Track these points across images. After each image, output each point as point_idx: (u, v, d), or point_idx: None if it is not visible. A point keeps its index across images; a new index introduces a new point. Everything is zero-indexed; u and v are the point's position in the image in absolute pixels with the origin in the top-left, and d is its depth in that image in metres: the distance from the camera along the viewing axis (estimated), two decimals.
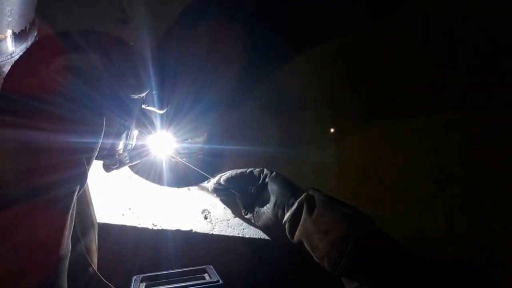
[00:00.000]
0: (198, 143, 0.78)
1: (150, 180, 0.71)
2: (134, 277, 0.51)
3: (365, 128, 0.96)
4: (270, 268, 0.72)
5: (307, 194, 0.62)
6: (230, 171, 0.70)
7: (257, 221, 0.68)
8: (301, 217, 0.60)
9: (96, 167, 0.49)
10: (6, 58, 0.47)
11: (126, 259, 0.61)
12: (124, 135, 0.48)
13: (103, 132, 0.39)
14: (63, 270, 0.35)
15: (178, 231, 0.66)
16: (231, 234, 0.70)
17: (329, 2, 0.85)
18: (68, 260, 0.35)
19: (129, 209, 0.65)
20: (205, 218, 0.70)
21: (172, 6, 0.76)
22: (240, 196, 0.70)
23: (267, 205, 0.66)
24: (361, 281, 0.54)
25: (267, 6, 0.81)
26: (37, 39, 0.51)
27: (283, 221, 0.62)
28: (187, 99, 0.73)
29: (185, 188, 0.74)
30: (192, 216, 0.69)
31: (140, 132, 0.56)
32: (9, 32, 0.46)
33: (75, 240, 0.46)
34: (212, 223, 0.70)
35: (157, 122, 0.60)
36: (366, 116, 0.97)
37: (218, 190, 0.72)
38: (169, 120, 0.69)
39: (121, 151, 0.50)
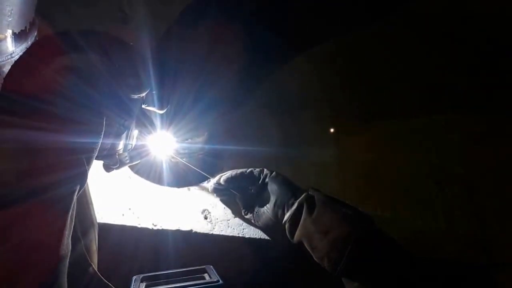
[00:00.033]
0: (198, 143, 0.78)
1: (150, 180, 0.71)
2: (134, 277, 0.51)
3: (365, 128, 0.96)
4: (270, 268, 0.72)
5: (307, 194, 0.62)
6: (230, 171, 0.70)
7: (257, 221, 0.68)
8: (301, 217, 0.60)
9: (96, 167, 0.49)
10: (6, 58, 0.47)
11: (126, 259, 0.61)
12: (124, 135, 0.48)
13: (103, 132, 0.39)
14: (63, 270, 0.35)
15: (178, 231, 0.65)
16: (231, 234, 0.70)
17: (329, 2, 0.85)
18: (68, 260, 0.35)
19: (129, 209, 0.65)
20: (205, 218, 0.70)
21: (172, 6, 0.76)
22: (240, 196, 0.70)
23: (267, 205, 0.66)
24: (361, 281, 0.54)
25: (267, 6, 0.81)
26: (37, 39, 0.51)
27: (283, 221, 0.62)
28: (187, 99, 0.73)
29: (185, 188, 0.74)
30: (192, 216, 0.69)
31: (140, 132, 0.56)
32: (9, 32, 0.46)
33: (75, 240, 0.46)
34: (212, 223, 0.70)
35: (157, 122, 0.60)
36: (366, 116, 0.97)
37: (218, 190, 0.72)
38: (169, 120, 0.69)
39: (121, 151, 0.50)
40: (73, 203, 0.36)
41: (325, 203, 0.60)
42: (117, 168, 0.50)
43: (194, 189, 0.74)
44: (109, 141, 0.44)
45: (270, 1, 0.82)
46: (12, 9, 0.44)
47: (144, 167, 0.70)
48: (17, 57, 0.40)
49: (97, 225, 0.54)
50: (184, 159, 0.74)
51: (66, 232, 0.35)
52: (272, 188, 0.66)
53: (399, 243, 0.56)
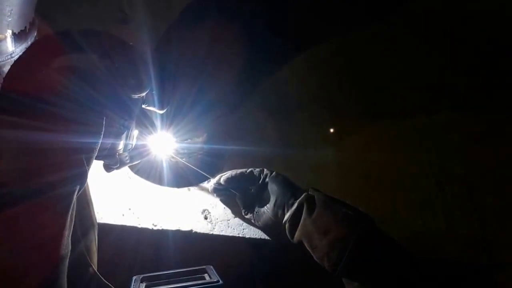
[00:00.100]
0: (198, 143, 0.78)
1: (150, 180, 0.71)
2: (134, 277, 0.51)
3: (365, 128, 0.96)
4: (270, 268, 0.72)
5: (307, 194, 0.62)
6: (230, 171, 0.70)
7: (257, 221, 0.68)
8: (301, 217, 0.60)
9: (96, 167, 0.49)
10: (6, 58, 0.47)
11: (126, 259, 0.61)
12: (124, 135, 0.48)
13: (103, 132, 0.39)
14: (63, 270, 0.35)
15: (178, 231, 0.65)
16: (231, 234, 0.70)
17: (329, 2, 0.85)
18: (68, 260, 0.35)
19: (129, 209, 0.65)
20: (205, 218, 0.70)
21: (172, 6, 0.76)
22: (240, 196, 0.70)
23: (267, 205, 0.66)
24: (361, 281, 0.54)
25: (267, 7, 0.81)
26: (37, 39, 0.51)
27: (283, 221, 0.62)
28: (187, 99, 0.73)
29: (185, 188, 0.74)
30: (192, 216, 0.69)
31: (140, 132, 0.56)
32: (9, 32, 0.46)
33: (75, 240, 0.46)
34: (212, 223, 0.70)
35: (157, 122, 0.60)
36: (366, 116, 0.97)
37: (218, 190, 0.72)
38: (169, 120, 0.69)
39: (121, 151, 0.50)
40: (73, 203, 0.36)
41: (325, 203, 0.60)
42: (117, 168, 0.50)
43: (194, 189, 0.74)
44: (109, 141, 0.44)
45: (270, 2, 0.82)
46: (12, 9, 0.44)
47: (144, 167, 0.70)
48: (17, 57, 0.40)
49: (97, 225, 0.54)
50: (184, 159, 0.73)
51: (66, 232, 0.35)
52: (272, 188, 0.66)
53: (399, 243, 0.56)
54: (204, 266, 0.53)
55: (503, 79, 0.97)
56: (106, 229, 0.59)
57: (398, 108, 0.98)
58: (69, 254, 0.35)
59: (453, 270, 0.78)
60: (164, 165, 0.72)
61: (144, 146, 0.58)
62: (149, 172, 0.71)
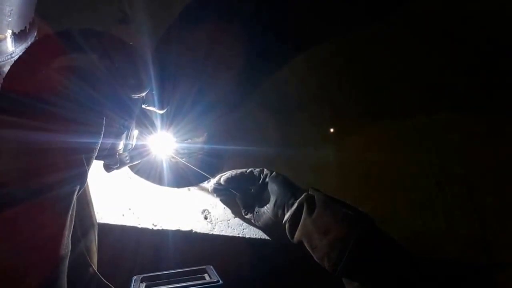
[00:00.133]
0: (198, 143, 0.78)
1: (150, 180, 0.71)
2: (134, 277, 0.51)
3: (365, 128, 0.96)
4: (270, 268, 0.72)
5: (307, 194, 0.62)
6: (230, 171, 0.70)
7: (257, 221, 0.68)
8: (301, 217, 0.60)
9: (96, 167, 0.49)
10: (6, 58, 0.47)
11: (126, 259, 0.61)
12: (124, 135, 0.48)
13: (103, 132, 0.39)
14: (63, 270, 0.35)
15: (178, 231, 0.65)
16: (231, 234, 0.70)
17: (329, 2, 0.85)
18: (68, 260, 0.35)
19: (129, 209, 0.65)
20: (205, 218, 0.70)
21: (172, 6, 0.76)
22: (240, 196, 0.70)
23: (267, 205, 0.66)
24: (361, 281, 0.54)
25: (267, 7, 0.81)
26: (37, 39, 0.51)
27: (283, 221, 0.62)
28: (187, 99, 0.73)
29: (185, 188, 0.74)
30: (192, 216, 0.69)
31: (140, 132, 0.56)
32: (9, 32, 0.46)
33: (75, 240, 0.46)
34: (212, 223, 0.70)
35: (157, 122, 0.60)
36: (366, 116, 0.97)
37: (218, 190, 0.72)
38: (169, 120, 0.69)
39: (121, 151, 0.50)
40: (73, 203, 0.36)
41: (325, 203, 0.60)
42: (117, 168, 0.50)
43: (194, 189, 0.74)
44: (109, 141, 0.44)
45: (270, 2, 0.82)
46: (12, 9, 0.44)
47: (144, 167, 0.70)
48: (17, 57, 0.40)
49: (97, 225, 0.54)
50: (184, 159, 0.73)
51: (66, 232, 0.35)
52: (272, 188, 0.66)
53: (399, 243, 0.56)
54: (204, 266, 0.53)
55: (503, 79, 0.97)
56: (106, 229, 0.59)
57: (398, 108, 0.98)
58: (69, 254, 0.35)
59: (453, 270, 0.78)
60: (164, 165, 0.72)
61: (144, 146, 0.58)
62: (149, 172, 0.71)
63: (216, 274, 0.51)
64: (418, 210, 0.89)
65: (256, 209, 0.68)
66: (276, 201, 0.64)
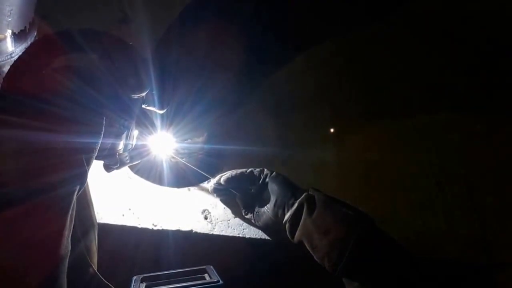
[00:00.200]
0: (198, 143, 0.78)
1: (150, 180, 0.71)
2: (134, 277, 0.51)
3: (365, 128, 0.96)
4: (270, 268, 0.72)
5: (307, 194, 0.62)
6: (230, 171, 0.70)
7: (257, 221, 0.68)
8: (301, 217, 0.60)
9: (96, 167, 0.49)
10: (6, 58, 0.47)
11: (126, 259, 0.61)
12: (124, 135, 0.48)
13: (103, 132, 0.39)
14: (63, 270, 0.35)
15: (178, 231, 0.65)
16: (231, 234, 0.70)
17: (329, 2, 0.85)
18: (68, 260, 0.35)
19: (129, 209, 0.65)
20: (205, 218, 0.70)
21: (172, 6, 0.75)
22: (240, 196, 0.70)
23: (267, 205, 0.66)
24: (361, 281, 0.54)
25: (267, 7, 0.81)
26: (36, 39, 0.51)
27: (284, 221, 0.62)
28: (187, 99, 0.73)
29: (185, 188, 0.74)
30: (192, 216, 0.69)
31: (140, 132, 0.56)
32: (8, 32, 0.46)
33: (75, 240, 0.46)
34: (212, 223, 0.70)
35: (157, 122, 0.60)
36: (366, 116, 0.97)
37: (218, 190, 0.72)
38: (169, 120, 0.69)
39: (121, 151, 0.50)
40: (73, 203, 0.36)
41: (325, 203, 0.60)
42: (117, 168, 0.50)
43: (194, 189, 0.74)
44: (109, 141, 0.44)
45: (270, 2, 0.82)
46: (11, 9, 0.44)
47: (144, 167, 0.70)
48: (16, 57, 0.40)
49: (97, 226, 0.54)
50: (184, 159, 0.73)
51: (66, 232, 0.35)
52: (272, 188, 0.66)
53: (399, 243, 0.56)
54: (204, 266, 0.53)
55: (503, 79, 0.97)
56: (106, 229, 0.59)
57: (398, 108, 0.98)
58: (69, 254, 0.35)
59: (453, 270, 0.78)
60: (164, 165, 0.72)
61: (144, 146, 0.58)
62: (149, 172, 0.71)
63: (216, 274, 0.51)
64: (418, 210, 0.89)
65: (256, 209, 0.68)
66: (276, 201, 0.64)
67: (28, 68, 0.36)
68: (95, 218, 0.54)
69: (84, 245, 0.48)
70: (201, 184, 0.75)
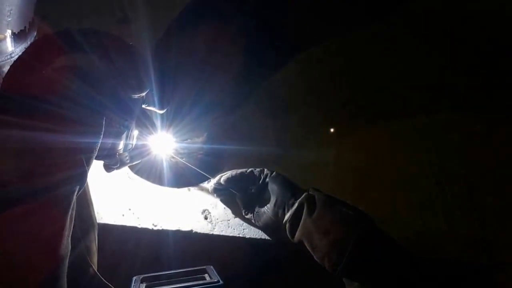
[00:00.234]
0: (198, 143, 0.78)
1: (150, 180, 0.71)
2: (134, 278, 0.51)
3: (365, 128, 0.96)
4: (270, 268, 0.72)
5: (308, 194, 0.62)
6: (230, 171, 0.70)
7: (258, 221, 0.68)
8: (301, 217, 0.60)
9: (96, 167, 0.49)
10: (6, 58, 0.47)
11: (126, 259, 0.61)
12: (124, 135, 0.48)
13: (103, 132, 0.39)
14: (63, 270, 0.35)
15: (178, 231, 0.65)
16: (231, 234, 0.70)
17: (329, 2, 0.85)
18: (68, 261, 0.35)
19: (129, 209, 0.65)
20: (205, 218, 0.70)
21: (172, 6, 0.75)
22: (240, 196, 0.70)
23: (268, 205, 0.66)
24: (361, 281, 0.54)
25: (267, 7, 0.81)
26: (36, 39, 0.51)
27: (284, 221, 0.62)
28: (188, 99, 0.73)
29: (185, 188, 0.74)
30: (192, 216, 0.69)
31: (140, 132, 0.56)
32: (8, 32, 0.46)
33: (75, 240, 0.46)
34: (212, 223, 0.70)
35: (157, 122, 0.60)
36: (366, 116, 0.97)
37: (218, 190, 0.72)
38: (169, 120, 0.69)
39: (121, 151, 0.50)
40: (72, 203, 0.36)
41: (325, 203, 0.60)
42: (117, 168, 0.50)
43: (194, 189, 0.74)
44: (109, 141, 0.44)
45: (270, 2, 0.82)
46: (11, 9, 0.44)
47: (144, 167, 0.70)
48: (16, 57, 0.40)
49: (97, 226, 0.54)
50: (184, 159, 0.73)
51: (66, 233, 0.35)
52: (273, 188, 0.66)
53: (399, 243, 0.56)
54: (204, 266, 0.54)
55: (503, 79, 0.97)
56: (106, 229, 0.59)
57: (398, 108, 0.98)
58: (69, 254, 0.35)
59: (453, 270, 0.78)
60: (164, 165, 0.72)
61: (144, 146, 0.58)
62: (149, 172, 0.71)
63: (216, 274, 0.51)
64: (418, 210, 0.89)
65: (257, 209, 0.68)
66: (276, 201, 0.64)
67: (28, 68, 0.36)
68: (95, 218, 0.54)
69: (84, 245, 0.48)
70: (201, 184, 0.75)
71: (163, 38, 0.74)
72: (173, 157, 0.73)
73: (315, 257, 0.59)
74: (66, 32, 0.38)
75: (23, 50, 0.42)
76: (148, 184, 0.71)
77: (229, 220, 0.72)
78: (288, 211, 0.62)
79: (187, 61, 0.74)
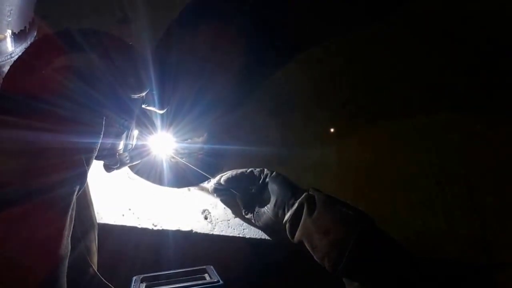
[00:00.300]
0: (198, 143, 0.78)
1: (150, 181, 0.71)
2: (134, 277, 0.51)
3: (365, 128, 0.96)
4: (270, 268, 0.72)
5: (308, 194, 0.62)
6: (231, 171, 0.70)
7: (258, 221, 0.68)
8: (301, 217, 0.60)
9: (96, 167, 0.49)
10: (6, 58, 0.47)
11: (126, 259, 0.61)
12: (124, 135, 0.48)
13: (103, 132, 0.39)
14: (63, 271, 0.35)
15: (178, 231, 0.65)
16: (231, 234, 0.70)
17: (329, 2, 0.85)
18: (68, 261, 0.35)
19: (129, 209, 0.65)
20: (206, 218, 0.70)
21: (172, 6, 0.75)
22: (240, 196, 0.70)
23: (268, 205, 0.66)
24: (361, 281, 0.54)
25: (267, 7, 0.81)
26: (36, 39, 0.51)
27: (284, 221, 0.62)
28: (187, 99, 0.73)
29: (185, 188, 0.74)
30: (192, 216, 0.69)
31: (140, 132, 0.56)
32: (8, 32, 0.46)
33: (75, 240, 0.46)
34: (212, 223, 0.70)
35: (157, 122, 0.60)
36: (366, 116, 0.97)
37: (219, 190, 0.72)
38: (169, 120, 0.69)
39: (121, 151, 0.50)
40: (72, 203, 0.36)
41: (325, 203, 0.60)
42: (117, 168, 0.50)
43: (194, 189, 0.74)
44: (109, 141, 0.44)
45: (270, 2, 0.82)
46: (11, 9, 0.44)
47: (144, 167, 0.70)
48: (16, 57, 0.40)
49: (97, 226, 0.54)
50: (184, 159, 0.73)
51: (66, 233, 0.35)
52: (273, 188, 0.66)
53: (399, 243, 0.56)
54: (204, 266, 0.53)
55: (503, 79, 0.97)
56: (106, 229, 0.59)
57: (398, 108, 0.98)
58: (69, 254, 0.35)
59: (453, 270, 0.78)
60: (164, 165, 0.72)
61: (144, 146, 0.58)
62: (149, 172, 0.71)
63: (216, 274, 0.51)
64: (418, 210, 0.89)
65: (257, 209, 0.68)
66: (276, 201, 0.64)
67: (28, 68, 0.36)
68: (95, 218, 0.54)
69: (84, 245, 0.48)
70: (201, 184, 0.75)
71: (163, 38, 0.74)
72: (173, 157, 0.73)
73: (315, 257, 0.59)
74: (66, 32, 0.38)
75: (23, 50, 0.42)
76: (148, 184, 0.71)
77: (229, 220, 0.72)
78: (288, 211, 0.62)
79: (187, 59, 0.74)
